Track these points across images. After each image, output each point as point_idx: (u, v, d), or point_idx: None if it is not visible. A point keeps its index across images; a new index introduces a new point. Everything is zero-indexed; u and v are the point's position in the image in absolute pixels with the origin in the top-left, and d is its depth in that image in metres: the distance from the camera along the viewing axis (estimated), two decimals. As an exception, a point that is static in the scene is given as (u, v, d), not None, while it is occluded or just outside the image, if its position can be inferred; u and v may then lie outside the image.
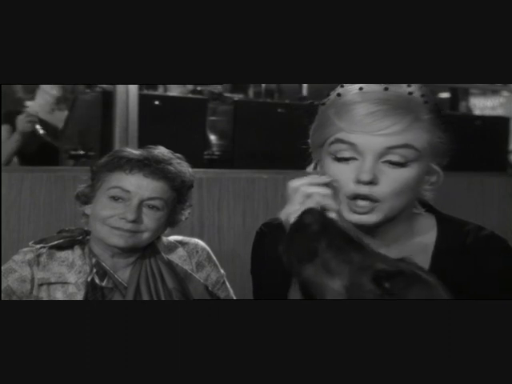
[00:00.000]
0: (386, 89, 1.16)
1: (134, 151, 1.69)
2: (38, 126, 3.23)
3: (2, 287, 1.64)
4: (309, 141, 1.26)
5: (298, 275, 1.03)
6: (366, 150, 1.15)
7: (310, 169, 1.27)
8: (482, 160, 3.41)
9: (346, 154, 1.17)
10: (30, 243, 1.71)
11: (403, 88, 1.18)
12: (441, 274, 1.02)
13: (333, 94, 1.22)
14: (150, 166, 1.64)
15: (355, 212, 1.18)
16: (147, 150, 1.70)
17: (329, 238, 1.02)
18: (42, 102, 3.46)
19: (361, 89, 1.17)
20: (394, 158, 1.15)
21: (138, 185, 1.63)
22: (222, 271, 1.83)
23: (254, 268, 1.40)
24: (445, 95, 5.19)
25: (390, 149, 1.14)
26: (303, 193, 1.14)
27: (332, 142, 1.18)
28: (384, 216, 1.19)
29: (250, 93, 4.43)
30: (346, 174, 1.17)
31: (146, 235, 1.66)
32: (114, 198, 1.64)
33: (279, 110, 3.44)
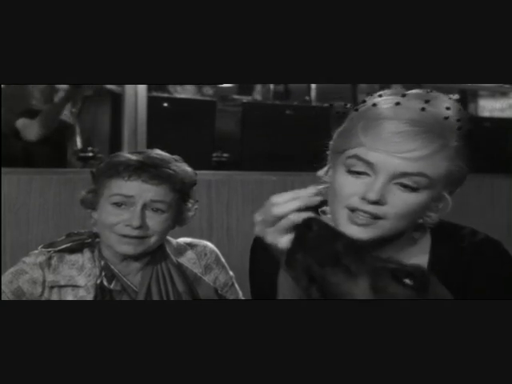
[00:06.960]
0: (423, 109, 1.12)
1: (130, 156, 1.66)
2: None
3: (13, 288, 1.64)
4: (330, 143, 1.22)
5: (321, 280, 0.99)
6: (381, 169, 1.11)
7: (321, 172, 1.24)
8: (491, 162, 3.40)
9: (360, 169, 1.13)
10: (39, 247, 1.71)
11: (441, 110, 1.14)
12: (438, 279, 1.01)
13: (368, 102, 1.17)
14: (148, 172, 1.62)
15: (354, 223, 1.14)
16: (144, 153, 1.68)
17: (343, 242, 1.00)
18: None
19: (397, 104, 1.13)
20: (407, 182, 1.12)
21: (139, 189, 1.62)
22: (230, 273, 1.83)
23: (254, 285, 1.37)
24: (454, 97, 5.19)
25: (404, 174, 1.11)
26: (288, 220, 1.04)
27: (349, 157, 1.14)
28: (381, 234, 1.15)
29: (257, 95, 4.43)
30: (354, 188, 1.14)
31: (153, 239, 1.66)
32: (118, 205, 1.63)
33: (287, 112, 3.44)
